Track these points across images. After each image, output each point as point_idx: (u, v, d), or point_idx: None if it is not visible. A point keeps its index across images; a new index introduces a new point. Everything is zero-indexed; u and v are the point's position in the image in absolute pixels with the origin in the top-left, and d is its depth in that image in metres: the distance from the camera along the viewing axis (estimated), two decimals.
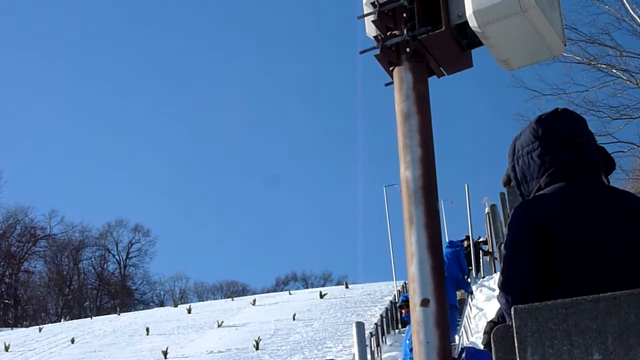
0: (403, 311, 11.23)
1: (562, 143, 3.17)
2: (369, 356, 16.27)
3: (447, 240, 20.10)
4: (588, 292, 2.74)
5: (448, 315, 3.51)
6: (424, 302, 3.40)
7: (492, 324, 4.10)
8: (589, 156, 3.17)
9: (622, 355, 2.56)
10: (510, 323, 2.78)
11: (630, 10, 25.21)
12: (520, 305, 2.70)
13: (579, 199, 3.03)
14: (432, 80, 3.85)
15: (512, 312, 2.70)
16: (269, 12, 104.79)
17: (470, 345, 7.45)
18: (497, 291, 3.09)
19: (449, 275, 17.54)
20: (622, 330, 2.58)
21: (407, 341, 11.15)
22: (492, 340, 2.83)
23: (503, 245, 3.12)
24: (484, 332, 4.18)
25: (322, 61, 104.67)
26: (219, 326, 28.79)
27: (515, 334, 2.68)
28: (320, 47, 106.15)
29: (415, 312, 3.42)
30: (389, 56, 3.72)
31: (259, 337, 23.83)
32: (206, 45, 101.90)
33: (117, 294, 74.72)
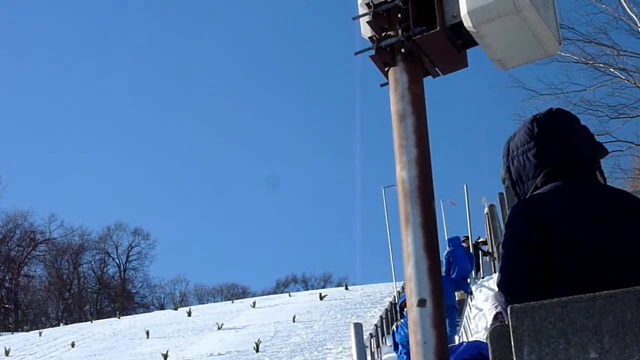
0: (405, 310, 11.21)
1: (557, 142, 3.18)
2: (369, 357, 16.27)
3: (447, 239, 20.11)
4: (586, 290, 2.75)
5: (445, 315, 3.51)
6: (421, 303, 3.40)
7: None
8: (584, 155, 3.19)
9: (618, 353, 2.56)
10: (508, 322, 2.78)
11: (627, 9, 25.27)
12: (516, 305, 2.70)
13: (576, 198, 3.04)
14: (429, 81, 3.85)
15: (509, 312, 2.70)
16: (268, 12, 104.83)
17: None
18: (496, 290, 3.09)
19: (454, 275, 17.55)
20: (619, 328, 2.58)
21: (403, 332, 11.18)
22: (488, 340, 2.83)
23: (501, 244, 3.12)
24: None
25: (321, 62, 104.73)
26: (219, 329, 28.79)
27: (511, 333, 2.68)
28: (318, 48, 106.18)
29: (413, 312, 3.42)
30: (384, 57, 3.72)
31: (259, 340, 23.83)
32: (205, 46, 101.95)
33: (117, 297, 74.70)
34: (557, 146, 3.17)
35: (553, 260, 2.95)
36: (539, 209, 3.01)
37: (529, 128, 3.24)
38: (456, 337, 16.94)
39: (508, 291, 3.01)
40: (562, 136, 3.19)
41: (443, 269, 18.06)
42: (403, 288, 27.43)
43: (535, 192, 3.14)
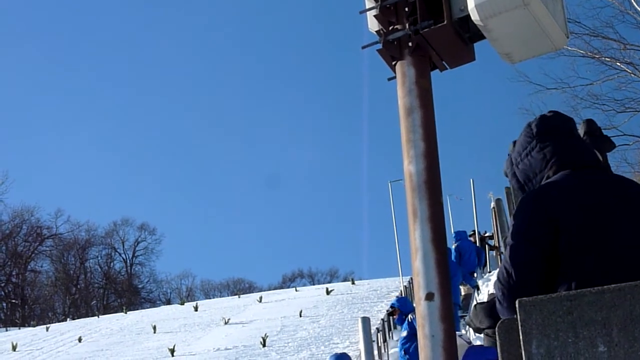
0: (394, 317, 11.30)
1: (559, 133, 3.20)
2: (375, 351, 16.29)
3: (454, 232, 20.07)
4: (594, 283, 2.74)
5: (453, 308, 3.51)
6: (429, 296, 3.40)
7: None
8: (586, 145, 3.21)
9: (627, 347, 2.56)
10: (504, 313, 2.80)
11: (634, 3, 25.15)
12: (524, 298, 2.70)
13: (585, 189, 3.04)
14: (436, 75, 3.85)
15: (517, 305, 2.69)
16: (273, 8, 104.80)
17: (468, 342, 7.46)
18: (495, 280, 3.09)
19: (463, 270, 17.52)
20: (627, 321, 2.58)
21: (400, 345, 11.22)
22: (497, 334, 2.84)
23: (510, 233, 3.09)
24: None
25: (327, 56, 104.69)
26: (225, 323, 28.82)
27: (520, 327, 2.67)
28: (324, 42, 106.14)
29: (420, 306, 3.42)
30: (392, 51, 3.72)
31: (265, 334, 23.85)
32: (210, 43, 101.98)
33: (123, 292, 74.84)
34: (559, 137, 3.20)
35: (559, 254, 2.94)
36: (548, 201, 3.00)
37: (527, 131, 3.28)
38: (463, 332, 16.92)
39: (509, 284, 3.00)
40: (562, 129, 3.22)
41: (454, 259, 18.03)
42: (410, 282, 27.44)
43: (545, 182, 3.14)
